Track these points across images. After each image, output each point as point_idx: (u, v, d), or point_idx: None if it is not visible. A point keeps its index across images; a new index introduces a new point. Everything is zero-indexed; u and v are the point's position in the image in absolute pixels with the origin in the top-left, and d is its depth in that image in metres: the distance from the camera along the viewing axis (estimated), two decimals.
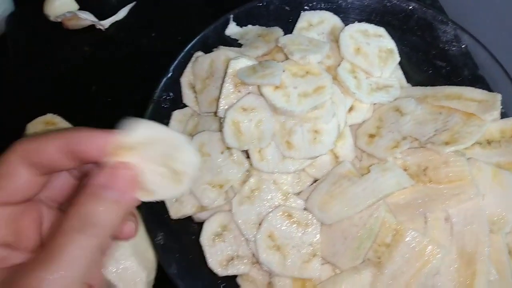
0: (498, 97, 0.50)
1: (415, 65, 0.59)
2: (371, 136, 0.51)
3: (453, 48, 0.57)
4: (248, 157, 0.51)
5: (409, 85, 0.57)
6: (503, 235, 0.45)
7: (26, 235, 0.32)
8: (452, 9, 0.70)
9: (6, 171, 0.30)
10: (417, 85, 0.57)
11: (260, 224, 0.48)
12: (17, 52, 0.71)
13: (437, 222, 0.44)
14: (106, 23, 0.70)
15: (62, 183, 0.34)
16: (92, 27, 0.70)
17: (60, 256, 0.27)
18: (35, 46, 0.71)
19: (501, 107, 0.50)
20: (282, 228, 0.48)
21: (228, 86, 0.51)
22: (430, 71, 0.58)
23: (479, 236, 0.43)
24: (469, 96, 0.51)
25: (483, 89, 0.54)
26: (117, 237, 0.32)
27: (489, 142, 0.50)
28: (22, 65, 0.70)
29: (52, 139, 0.30)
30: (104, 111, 0.65)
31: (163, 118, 0.57)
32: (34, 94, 0.67)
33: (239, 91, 0.52)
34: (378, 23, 0.58)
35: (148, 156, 0.31)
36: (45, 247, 0.28)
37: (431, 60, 0.58)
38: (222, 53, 0.55)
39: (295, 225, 0.48)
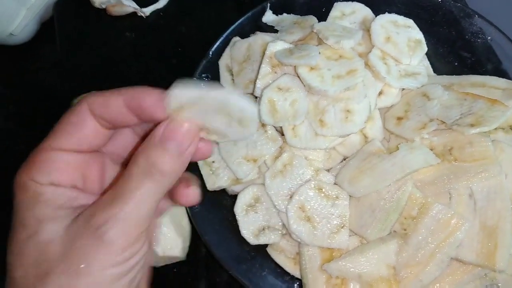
0: None
1: (441, 56, 0.61)
2: (399, 118, 0.54)
3: (478, 40, 0.59)
4: (282, 134, 0.54)
5: (435, 75, 0.60)
6: None
7: (92, 181, 0.34)
8: (475, 3, 0.73)
9: (77, 120, 0.32)
10: (443, 75, 0.60)
11: (291, 197, 0.51)
12: (63, 36, 0.76)
13: (461, 198, 0.47)
14: (147, 10, 0.74)
15: (126, 140, 0.37)
16: (134, 14, 0.74)
17: (131, 195, 0.30)
18: (80, 31, 0.76)
19: None
20: (313, 201, 0.51)
21: (265, 67, 0.55)
22: (456, 63, 0.61)
23: (501, 211, 0.45)
24: (494, 84, 0.54)
25: (509, 76, 0.57)
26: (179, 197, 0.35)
27: (511, 128, 0.52)
28: (68, 48, 0.75)
29: (118, 94, 0.32)
30: None
31: None
32: (79, 76, 0.72)
33: (275, 72, 0.55)
34: (407, 15, 0.61)
35: (207, 110, 0.32)
36: (114, 189, 0.31)
37: (457, 52, 0.61)
38: (260, 37, 0.58)
39: (325, 198, 0.51)
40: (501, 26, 0.60)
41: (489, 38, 0.59)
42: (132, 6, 0.73)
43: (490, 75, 0.59)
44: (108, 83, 0.70)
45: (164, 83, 0.69)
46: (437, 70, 0.60)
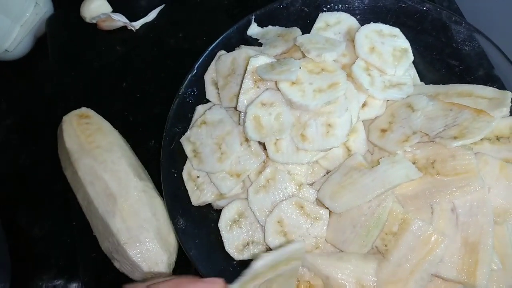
0: (509, 94, 0.52)
1: (429, 64, 0.61)
2: (383, 130, 0.53)
3: (466, 48, 0.58)
4: (265, 148, 0.54)
5: (422, 83, 0.59)
6: (509, 227, 0.46)
7: None
8: (468, 10, 0.71)
9: None
10: (430, 84, 0.59)
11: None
12: (55, 50, 0.77)
13: (443, 212, 0.46)
14: (137, 24, 0.75)
15: None
16: (124, 28, 0.75)
17: None
18: (71, 45, 0.77)
19: (511, 104, 0.51)
20: (292, 217, 0.51)
21: (248, 82, 0.55)
22: (444, 70, 0.60)
23: (483, 226, 0.45)
24: (480, 93, 0.53)
25: (496, 84, 0.56)
26: None
27: (498, 138, 0.51)
28: (60, 62, 0.76)
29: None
30: (134, 105, 0.70)
31: (187, 112, 0.61)
32: (70, 90, 0.73)
33: (258, 87, 0.55)
34: (393, 23, 0.60)
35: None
36: None
37: (445, 59, 0.60)
38: (243, 51, 0.58)
39: (305, 216, 0.51)
40: (494, 33, 0.59)
41: (477, 45, 0.58)
42: (122, 21, 0.73)
43: (481, 80, 0.59)
44: (100, 95, 0.72)
45: (154, 96, 0.70)
46: (425, 78, 0.60)
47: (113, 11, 0.76)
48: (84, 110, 0.65)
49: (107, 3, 0.75)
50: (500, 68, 0.58)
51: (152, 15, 0.76)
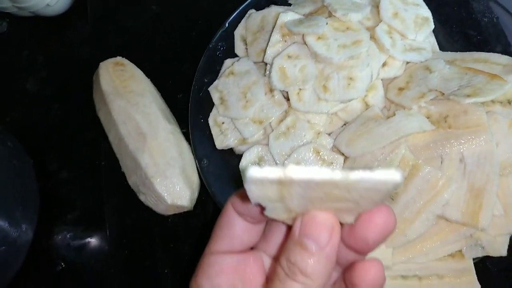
0: None
1: (448, 35, 0.63)
2: (401, 89, 0.56)
3: (485, 19, 0.61)
4: (287, 99, 0.57)
5: (440, 52, 0.62)
6: None
7: (251, 282, 0.33)
8: None
9: (225, 222, 0.33)
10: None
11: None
12: (94, 8, 0.82)
13: (452, 162, 0.49)
14: None
15: (279, 233, 0.35)
16: None
17: None
18: (110, 4, 0.82)
19: None
20: (309, 161, 0.54)
21: (276, 36, 0.58)
22: (462, 41, 0.63)
23: (489, 175, 0.48)
24: (495, 60, 0.56)
25: None
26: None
27: (509, 102, 0.54)
28: (100, 18, 0.81)
29: None
30: (166, 61, 0.74)
31: (216, 65, 0.65)
32: (106, 45, 0.77)
33: (285, 41, 0.59)
34: None
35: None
36: None
37: (464, 31, 0.63)
38: (273, 9, 0.62)
39: (320, 161, 0.54)
40: None
41: (495, 17, 0.60)
42: None
43: (498, 47, 0.61)
44: (134, 50, 0.77)
45: (185, 54, 0.74)
46: (444, 48, 0.63)
47: None
48: (119, 58, 0.69)
49: None
50: None
51: None
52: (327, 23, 0.56)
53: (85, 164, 0.73)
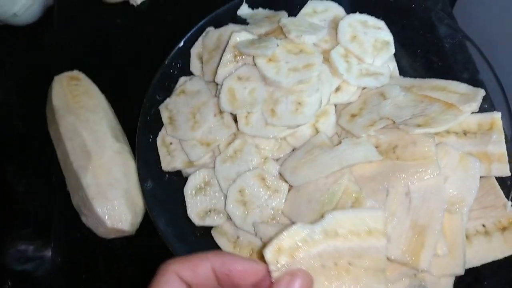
0: (481, 91, 0.52)
1: (410, 59, 0.61)
2: (353, 115, 0.54)
3: (448, 46, 0.59)
4: (236, 122, 0.55)
5: (401, 77, 0.60)
6: (463, 217, 0.46)
7: None
8: (460, 12, 0.72)
9: (164, 281, 0.33)
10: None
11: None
12: (60, 18, 0.80)
13: (397, 195, 0.47)
14: (139, 0, 0.77)
15: None
16: (126, 3, 0.78)
17: None
18: (76, 16, 0.80)
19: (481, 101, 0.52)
20: (254, 188, 0.52)
21: (228, 56, 0.57)
22: (424, 66, 0.61)
23: (434, 212, 0.45)
24: (453, 88, 0.54)
25: (474, 83, 0.56)
26: None
27: (465, 133, 0.51)
28: (63, 30, 0.79)
29: (205, 260, 0.33)
30: (125, 74, 0.73)
31: (171, 82, 0.63)
32: (67, 55, 0.76)
33: (237, 62, 0.57)
34: (380, 17, 0.62)
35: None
36: None
37: (427, 56, 0.61)
38: (230, 28, 0.60)
39: (265, 188, 0.52)
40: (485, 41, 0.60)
41: (456, 43, 0.58)
42: None
43: (462, 79, 0.59)
44: (94, 62, 0.75)
45: (146, 67, 0.72)
46: (406, 73, 0.60)
47: None
48: (75, 72, 0.68)
49: None
50: (481, 68, 0.58)
51: None
52: (278, 45, 0.54)
53: (40, 179, 0.71)
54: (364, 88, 0.57)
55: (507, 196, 0.48)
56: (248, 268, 0.34)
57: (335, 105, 0.56)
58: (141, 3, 0.78)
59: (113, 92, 0.69)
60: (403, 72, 0.60)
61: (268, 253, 0.36)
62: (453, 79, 0.59)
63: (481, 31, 0.75)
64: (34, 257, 0.66)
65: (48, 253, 0.65)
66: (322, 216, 0.39)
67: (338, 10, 0.62)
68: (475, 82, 0.59)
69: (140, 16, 0.77)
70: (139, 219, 0.58)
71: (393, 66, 0.60)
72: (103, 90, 0.68)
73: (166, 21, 0.76)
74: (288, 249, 0.37)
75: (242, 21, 0.65)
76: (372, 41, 0.58)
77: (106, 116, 0.63)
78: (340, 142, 0.51)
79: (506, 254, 0.46)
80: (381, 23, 0.60)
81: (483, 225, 0.48)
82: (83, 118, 0.61)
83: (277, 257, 0.36)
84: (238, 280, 0.33)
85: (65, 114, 0.62)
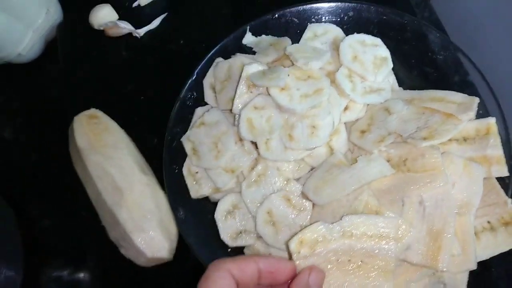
0: (476, 100, 0.58)
1: (407, 71, 0.66)
2: (362, 131, 0.59)
3: (441, 57, 0.64)
4: (256, 147, 0.60)
5: (400, 88, 0.65)
6: (471, 218, 0.52)
7: None
8: (448, 21, 0.77)
9: (218, 276, 0.38)
10: (408, 89, 0.65)
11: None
12: (65, 55, 0.83)
13: (412, 205, 0.52)
14: (142, 31, 0.81)
15: None
16: (129, 34, 0.81)
17: None
18: (80, 50, 0.83)
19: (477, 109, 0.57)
20: (280, 208, 0.57)
21: (242, 88, 0.61)
22: (420, 77, 0.66)
23: (446, 217, 0.51)
24: (451, 99, 0.59)
25: (472, 93, 0.61)
26: None
27: (465, 139, 0.57)
28: (69, 66, 0.82)
29: (254, 262, 0.40)
30: (138, 106, 0.76)
31: (187, 113, 0.67)
32: (79, 92, 0.79)
33: (251, 92, 0.61)
34: (376, 34, 0.66)
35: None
36: None
37: (422, 67, 0.66)
38: (238, 59, 0.64)
39: (291, 207, 0.57)
40: (471, 45, 0.65)
41: (450, 55, 0.64)
42: (127, 28, 0.79)
43: (457, 85, 0.64)
44: (107, 97, 0.78)
45: (157, 98, 0.75)
46: (403, 84, 0.65)
47: (119, 19, 0.82)
48: (93, 111, 0.71)
49: (114, 11, 0.81)
50: (473, 75, 0.64)
51: (155, 23, 0.82)
52: (288, 75, 0.59)
53: (66, 212, 0.74)
54: (368, 104, 0.62)
55: (507, 194, 0.54)
56: (289, 266, 0.43)
57: (345, 123, 0.61)
58: (144, 34, 0.81)
59: (130, 125, 0.72)
60: (401, 82, 0.66)
61: (292, 244, 0.47)
62: (445, 84, 0.65)
63: (465, 32, 0.81)
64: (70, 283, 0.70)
65: (84, 279, 0.69)
66: (341, 218, 0.49)
67: (337, 31, 0.67)
68: (465, 83, 0.64)
69: (144, 47, 0.81)
70: (174, 244, 0.62)
71: (392, 79, 0.65)
72: (120, 124, 0.71)
73: (171, 50, 0.80)
74: (309, 243, 0.47)
75: (248, 49, 0.69)
76: (371, 58, 0.63)
77: (130, 151, 0.67)
78: (355, 159, 0.56)
79: (511, 246, 0.52)
80: (378, 40, 0.65)
81: (488, 222, 0.54)
82: (108, 155, 0.65)
83: (299, 248, 0.47)
84: (280, 277, 0.41)
85: (90, 154, 0.65)
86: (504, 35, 0.76)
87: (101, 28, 0.81)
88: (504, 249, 0.53)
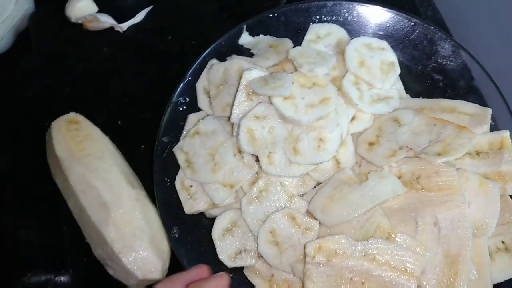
0: (489, 111, 0.55)
1: (414, 76, 0.63)
2: (371, 144, 0.55)
3: (450, 63, 0.61)
4: (257, 160, 0.55)
5: (407, 95, 0.61)
6: (485, 239, 0.50)
7: None
8: (452, 20, 0.74)
9: None
10: (415, 95, 0.61)
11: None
12: (39, 48, 0.75)
13: (426, 226, 0.49)
14: (125, 25, 0.74)
15: None
16: (111, 29, 0.74)
17: None
18: (56, 44, 0.76)
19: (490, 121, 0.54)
20: (284, 227, 0.53)
21: (241, 95, 0.56)
22: (428, 83, 0.63)
23: (463, 240, 0.48)
24: (463, 109, 0.56)
25: (477, 99, 0.59)
26: None
27: (478, 153, 0.54)
28: (44, 62, 0.75)
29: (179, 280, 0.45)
30: (123, 109, 0.70)
31: (179, 120, 0.61)
32: (56, 92, 0.72)
33: (251, 100, 0.56)
34: (381, 36, 0.62)
35: None
36: None
37: (429, 73, 0.62)
38: (236, 62, 0.59)
39: (296, 226, 0.53)
40: (476, 42, 0.62)
41: (459, 61, 0.60)
42: (108, 22, 0.72)
43: (462, 92, 0.61)
44: (87, 99, 0.72)
45: (143, 100, 0.69)
46: (410, 90, 0.62)
47: (99, 11, 0.74)
48: (72, 115, 0.64)
49: (93, 3, 0.74)
50: (479, 80, 0.61)
51: (139, 17, 0.75)
52: (293, 83, 0.54)
53: (44, 224, 0.68)
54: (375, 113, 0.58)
55: None
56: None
57: (351, 134, 0.57)
58: (128, 29, 0.74)
59: (115, 131, 0.66)
60: (407, 88, 0.62)
61: (309, 247, 0.47)
62: (453, 89, 0.61)
63: (470, 33, 0.78)
64: None
65: None
66: (365, 239, 0.47)
67: (341, 32, 0.62)
68: (471, 88, 0.61)
69: (128, 44, 0.74)
70: (167, 264, 0.58)
71: (399, 86, 0.61)
72: (103, 130, 0.65)
73: (157, 47, 0.73)
74: (327, 251, 0.47)
75: (245, 50, 0.63)
76: (379, 64, 0.59)
77: (115, 161, 0.61)
78: (364, 174, 0.53)
79: None
80: (384, 43, 0.61)
81: (503, 242, 0.52)
82: (92, 167, 0.59)
83: (316, 253, 0.47)
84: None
85: (71, 165, 0.59)
86: (505, 33, 0.74)
87: (79, 22, 0.73)
88: None
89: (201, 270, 0.46)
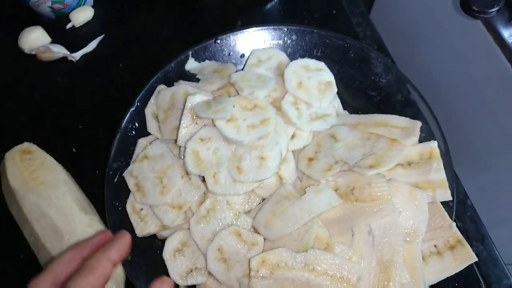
0: (418, 124, 0.59)
1: (351, 94, 0.67)
2: (310, 159, 0.59)
3: (383, 80, 0.65)
4: (204, 181, 0.58)
5: (345, 112, 0.65)
6: (418, 244, 0.53)
7: None
8: (389, 36, 0.79)
9: None
10: (353, 111, 0.65)
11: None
12: None
13: (361, 235, 0.53)
14: (77, 55, 0.76)
15: None
16: (64, 58, 0.76)
17: None
18: (10, 77, 0.77)
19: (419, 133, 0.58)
20: (231, 244, 0.55)
21: (186, 119, 0.59)
22: (365, 99, 0.66)
23: (395, 246, 0.51)
24: (394, 123, 0.60)
25: (413, 112, 0.62)
26: None
27: (409, 164, 0.58)
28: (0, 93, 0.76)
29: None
30: (77, 136, 0.71)
31: (129, 145, 0.64)
32: (11, 123, 0.73)
33: (196, 123, 0.59)
34: (319, 57, 0.66)
35: None
36: None
37: (365, 90, 0.66)
38: (182, 87, 0.62)
39: (242, 243, 0.55)
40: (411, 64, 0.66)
41: (392, 78, 0.64)
42: (61, 52, 0.74)
43: (400, 104, 0.65)
44: (42, 128, 0.73)
45: (97, 127, 0.71)
46: (348, 106, 0.66)
47: (52, 42, 0.76)
48: (26, 145, 0.66)
49: (46, 34, 0.76)
50: (412, 95, 0.65)
51: (92, 46, 0.77)
52: (234, 106, 0.57)
53: (1, 252, 0.69)
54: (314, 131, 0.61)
55: (451, 217, 0.56)
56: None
57: (292, 151, 0.60)
58: (80, 58, 0.76)
59: (68, 159, 0.68)
60: (346, 105, 0.66)
61: (253, 261, 0.50)
62: (389, 104, 0.65)
63: (408, 49, 0.83)
64: None
65: None
66: (305, 250, 0.50)
67: (281, 56, 0.66)
68: (408, 101, 0.65)
69: (81, 72, 0.76)
70: (121, 287, 0.59)
71: (337, 103, 0.65)
72: (57, 159, 0.67)
73: (110, 75, 0.75)
74: (270, 265, 0.50)
75: (192, 75, 0.66)
76: (316, 84, 0.63)
77: (68, 188, 0.62)
78: (303, 189, 0.56)
79: (457, 270, 0.54)
80: (321, 64, 0.65)
81: (435, 246, 0.55)
82: (46, 195, 0.60)
83: (260, 267, 0.50)
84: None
85: (25, 194, 0.60)
86: (442, 47, 0.79)
87: (33, 53, 0.75)
88: (451, 272, 0.54)
89: (104, 236, 0.44)
